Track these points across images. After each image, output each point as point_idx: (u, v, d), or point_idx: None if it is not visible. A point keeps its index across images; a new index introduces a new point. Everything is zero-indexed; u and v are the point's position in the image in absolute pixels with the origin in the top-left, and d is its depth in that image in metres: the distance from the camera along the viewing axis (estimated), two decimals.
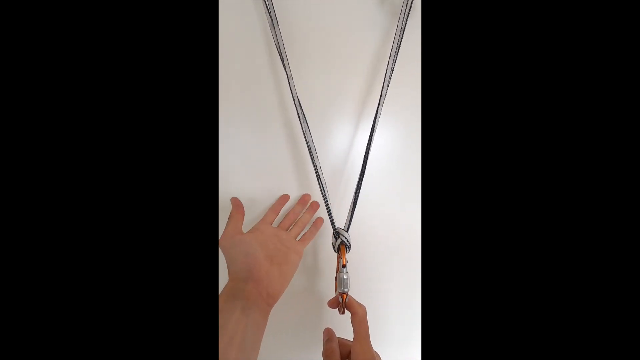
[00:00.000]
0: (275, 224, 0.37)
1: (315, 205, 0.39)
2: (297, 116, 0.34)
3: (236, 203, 0.35)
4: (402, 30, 0.34)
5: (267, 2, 0.33)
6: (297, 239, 0.37)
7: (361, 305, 0.32)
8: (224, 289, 0.30)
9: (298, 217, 0.38)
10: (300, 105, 0.34)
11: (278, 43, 0.33)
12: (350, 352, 0.31)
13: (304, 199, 0.39)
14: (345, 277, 0.33)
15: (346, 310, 0.33)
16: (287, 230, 0.37)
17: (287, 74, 0.33)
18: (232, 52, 0.34)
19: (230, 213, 0.35)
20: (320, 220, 0.39)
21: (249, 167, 0.37)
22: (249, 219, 0.38)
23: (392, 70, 0.34)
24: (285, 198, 0.39)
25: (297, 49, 0.35)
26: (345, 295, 0.33)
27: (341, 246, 0.34)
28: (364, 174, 0.35)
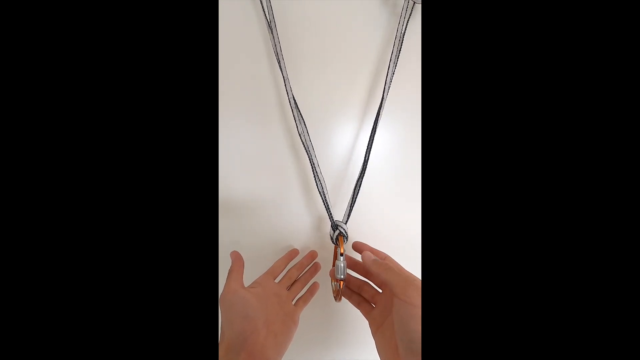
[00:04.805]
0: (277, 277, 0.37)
1: (317, 267, 0.40)
2: (293, 117, 0.35)
3: (236, 256, 0.34)
4: (403, 34, 0.34)
5: (264, 4, 0.33)
6: (294, 302, 0.36)
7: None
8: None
9: (301, 274, 0.38)
10: (297, 106, 0.35)
11: (275, 45, 0.34)
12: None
13: (311, 255, 0.39)
14: (342, 265, 0.34)
15: (342, 298, 0.36)
16: (287, 289, 0.36)
17: (283, 76, 0.34)
18: (231, 53, 0.35)
19: (231, 268, 0.33)
20: (316, 285, 0.39)
21: (250, 166, 0.38)
22: (249, 220, 0.39)
23: (394, 72, 0.34)
24: (294, 253, 0.39)
25: (297, 49, 0.36)
26: (342, 282, 0.35)
27: (339, 237, 0.36)
28: (364, 171, 0.36)
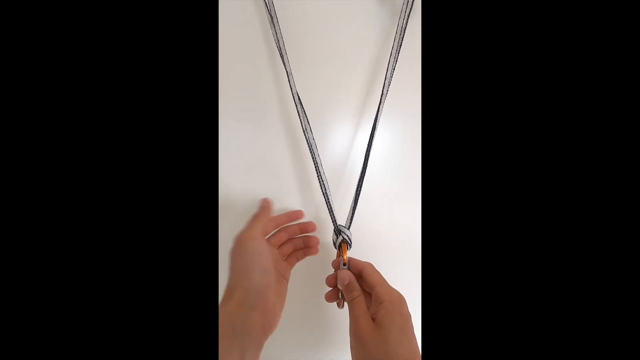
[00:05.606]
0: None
1: (311, 227, 0.36)
2: (297, 114, 0.34)
3: (266, 203, 0.32)
4: (403, 30, 0.34)
5: (266, 1, 0.32)
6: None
7: (365, 262, 0.32)
8: (224, 313, 0.25)
9: (290, 236, 0.36)
10: (300, 103, 0.34)
11: (278, 41, 0.33)
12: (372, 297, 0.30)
13: (297, 217, 0.37)
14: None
15: (346, 305, 0.34)
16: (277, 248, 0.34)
17: (287, 72, 0.33)
18: (231, 50, 0.34)
19: (258, 213, 0.31)
20: (316, 241, 0.36)
21: (250, 166, 0.37)
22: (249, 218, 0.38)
23: (394, 69, 0.34)
24: (297, 215, 0.36)
25: (297, 47, 0.35)
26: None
27: (342, 244, 0.35)
28: (365, 171, 0.35)
